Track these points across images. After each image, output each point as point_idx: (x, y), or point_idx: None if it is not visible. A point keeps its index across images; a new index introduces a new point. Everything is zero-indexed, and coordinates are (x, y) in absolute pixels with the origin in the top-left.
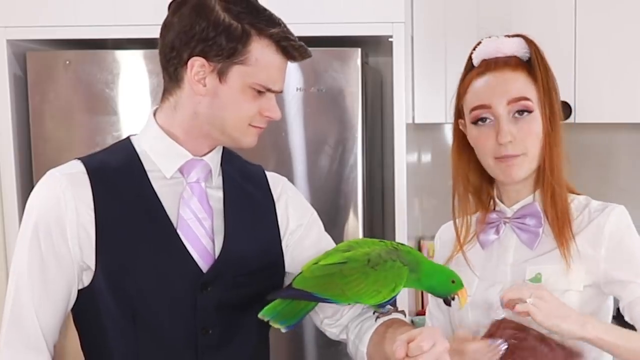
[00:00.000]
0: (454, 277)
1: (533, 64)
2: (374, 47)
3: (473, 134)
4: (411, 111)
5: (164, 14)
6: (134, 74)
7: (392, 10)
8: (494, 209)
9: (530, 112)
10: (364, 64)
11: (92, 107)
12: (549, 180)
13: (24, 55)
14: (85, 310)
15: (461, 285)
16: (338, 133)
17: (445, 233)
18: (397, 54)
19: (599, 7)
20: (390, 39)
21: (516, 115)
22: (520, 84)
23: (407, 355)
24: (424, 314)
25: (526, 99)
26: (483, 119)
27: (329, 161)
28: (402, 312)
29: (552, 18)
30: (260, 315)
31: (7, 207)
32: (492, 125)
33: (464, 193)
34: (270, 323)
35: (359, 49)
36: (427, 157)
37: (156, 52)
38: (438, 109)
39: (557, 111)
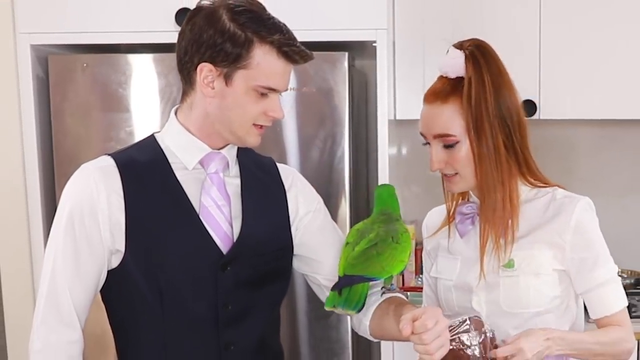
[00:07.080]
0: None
1: (465, 88)
2: (359, 51)
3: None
4: (393, 109)
5: (171, 22)
6: (144, 75)
7: (375, 18)
8: (468, 199)
9: (456, 142)
10: (351, 66)
11: (107, 105)
12: (483, 199)
13: (46, 58)
14: (115, 288)
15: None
16: (327, 128)
17: (432, 219)
18: (380, 57)
19: (562, 13)
20: (374, 44)
21: (444, 144)
22: (445, 119)
23: (412, 332)
24: (405, 290)
25: (448, 135)
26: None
27: (319, 153)
28: (404, 292)
29: (518, 23)
30: (328, 308)
31: (31, 196)
32: None
33: None
34: (341, 312)
35: (346, 53)
36: (407, 150)
37: (164, 55)
38: (417, 107)
39: (490, 128)
